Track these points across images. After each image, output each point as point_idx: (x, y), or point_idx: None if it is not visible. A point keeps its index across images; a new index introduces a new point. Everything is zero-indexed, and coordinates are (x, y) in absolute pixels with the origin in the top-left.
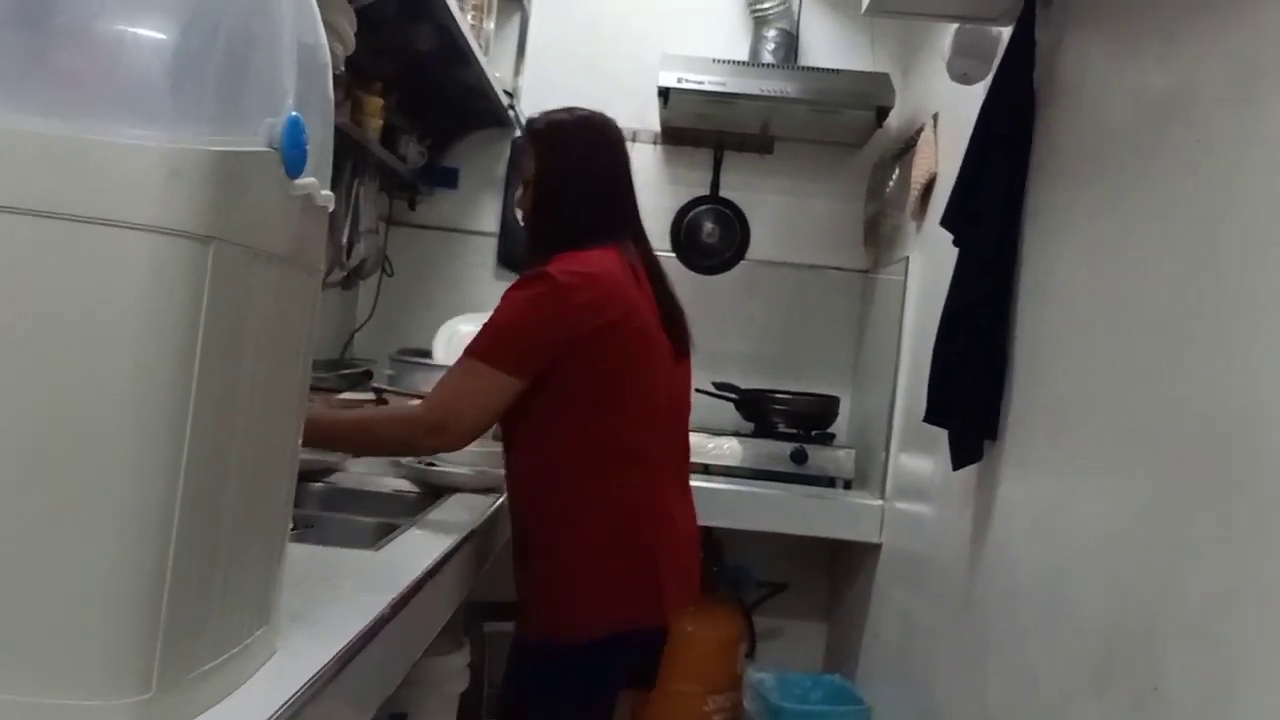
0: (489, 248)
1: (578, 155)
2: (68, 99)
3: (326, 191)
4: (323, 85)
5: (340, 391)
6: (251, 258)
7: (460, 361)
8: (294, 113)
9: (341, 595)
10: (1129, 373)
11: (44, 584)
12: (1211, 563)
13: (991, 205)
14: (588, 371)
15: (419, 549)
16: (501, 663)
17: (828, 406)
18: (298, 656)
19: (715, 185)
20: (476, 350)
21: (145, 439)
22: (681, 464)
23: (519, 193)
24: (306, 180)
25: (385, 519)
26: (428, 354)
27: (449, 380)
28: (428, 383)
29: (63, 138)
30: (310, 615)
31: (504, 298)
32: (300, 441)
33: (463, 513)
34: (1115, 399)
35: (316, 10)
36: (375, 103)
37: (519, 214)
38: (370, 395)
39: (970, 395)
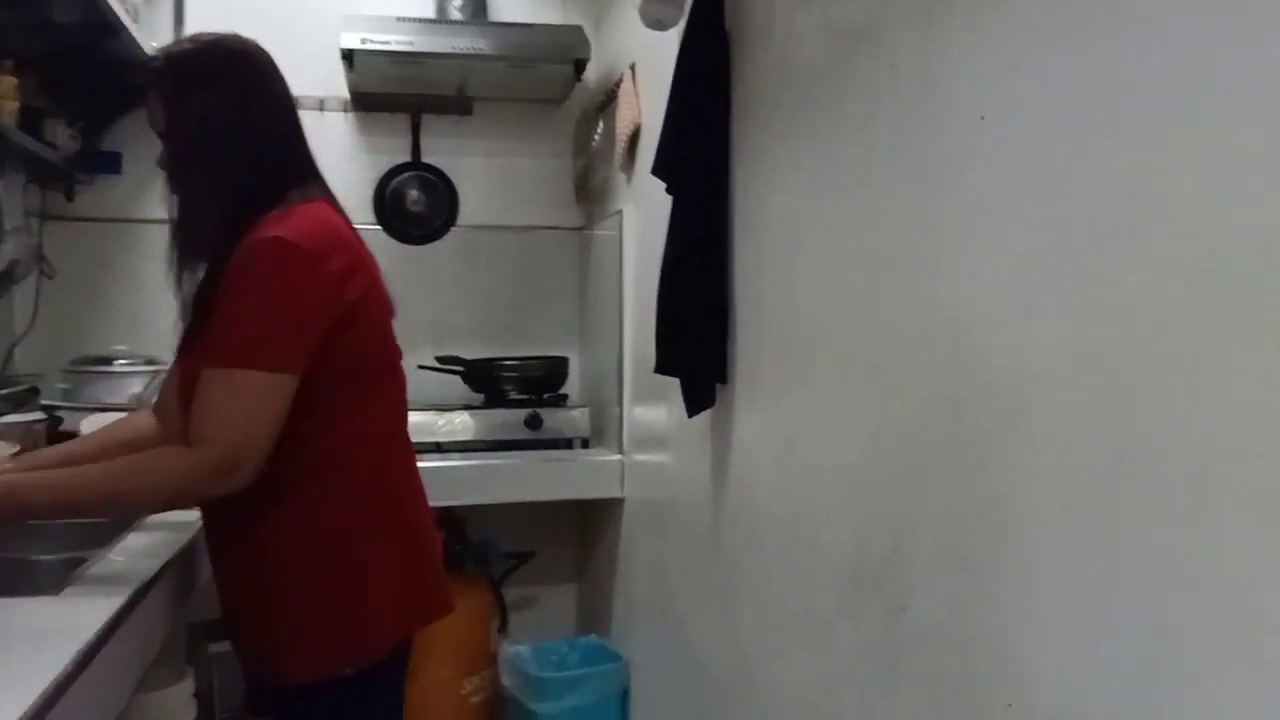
0: (166, 236)
1: (226, 86)
2: None
3: None
4: None
5: (2, 415)
6: None
7: (214, 377)
8: None
9: (13, 657)
10: (846, 299)
11: None
12: (944, 480)
13: (698, 150)
14: (355, 350)
15: (113, 583)
16: (231, 682)
17: (557, 368)
18: None
19: (416, 151)
20: (230, 356)
21: None
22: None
23: (163, 160)
24: None
25: (71, 554)
26: (107, 360)
27: (215, 405)
28: (109, 392)
29: None
30: None
31: (241, 280)
32: None
33: (166, 529)
34: (836, 327)
35: None
36: (7, 82)
37: (169, 185)
38: (40, 415)
39: (697, 342)
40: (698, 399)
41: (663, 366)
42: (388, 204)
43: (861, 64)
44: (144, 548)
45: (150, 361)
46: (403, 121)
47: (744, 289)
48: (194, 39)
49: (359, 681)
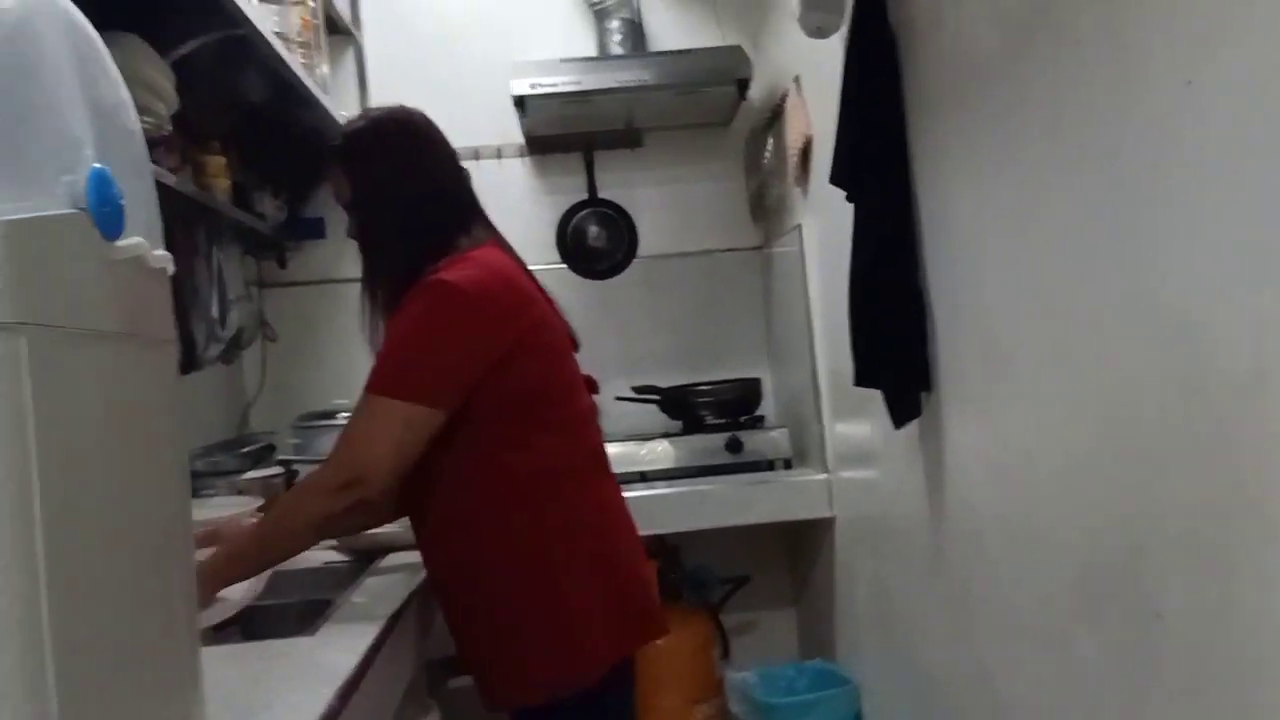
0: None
1: (395, 155)
2: None
3: (161, 252)
4: (131, 143)
5: (244, 472)
6: (75, 339)
7: (358, 403)
8: (97, 165)
9: (277, 695)
10: (1051, 292)
11: None
12: (1186, 470)
13: (876, 154)
14: (518, 386)
15: (360, 623)
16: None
17: (751, 389)
18: None
19: (592, 188)
20: (378, 384)
21: None
22: (608, 464)
23: (348, 223)
24: (130, 242)
25: (317, 596)
26: (331, 414)
27: (350, 426)
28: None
29: None
30: None
31: (399, 317)
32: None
33: (401, 572)
34: (1044, 322)
35: (110, 66)
36: (217, 162)
37: (358, 246)
38: (277, 470)
39: (897, 350)
40: (903, 409)
41: (862, 378)
42: (569, 242)
43: (1043, 45)
44: (382, 588)
45: None
46: (577, 160)
47: (939, 292)
48: (365, 115)
49: (582, 704)
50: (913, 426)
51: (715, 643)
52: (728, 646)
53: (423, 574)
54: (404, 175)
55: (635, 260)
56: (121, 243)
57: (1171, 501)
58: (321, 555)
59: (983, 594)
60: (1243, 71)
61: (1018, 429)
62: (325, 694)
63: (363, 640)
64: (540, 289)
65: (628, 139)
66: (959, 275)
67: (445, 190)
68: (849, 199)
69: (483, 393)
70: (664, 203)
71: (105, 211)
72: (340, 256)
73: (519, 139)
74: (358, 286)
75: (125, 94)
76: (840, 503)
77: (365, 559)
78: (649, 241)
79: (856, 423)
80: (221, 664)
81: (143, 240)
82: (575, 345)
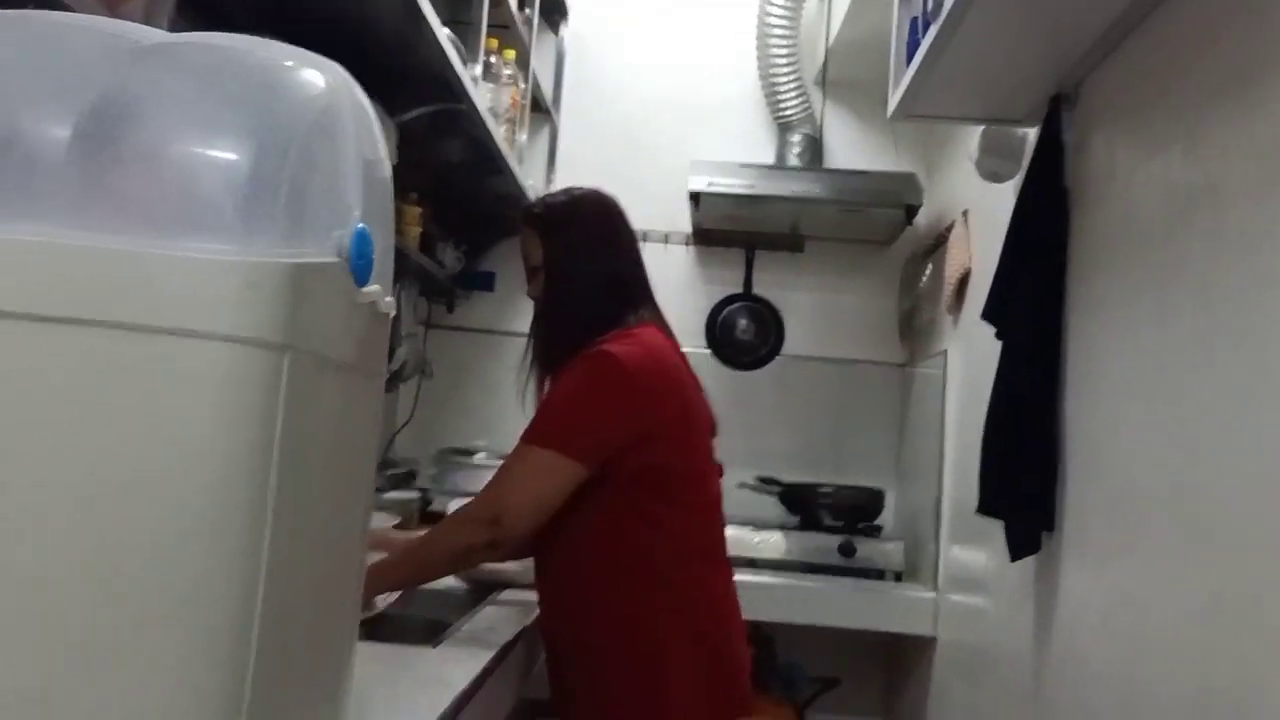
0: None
1: (588, 232)
2: (137, 218)
3: (389, 298)
4: (384, 198)
5: (385, 492)
6: (322, 365)
7: (514, 450)
8: (361, 225)
9: (401, 694)
10: (1184, 460)
11: (123, 710)
12: None
13: (1030, 299)
14: (657, 462)
15: (475, 645)
16: None
17: (873, 498)
18: None
19: (748, 283)
20: (532, 435)
21: (224, 556)
22: (725, 553)
23: (531, 282)
24: (372, 289)
25: (437, 616)
26: (469, 453)
27: (502, 471)
28: (469, 481)
29: (143, 253)
30: (371, 718)
31: (562, 378)
32: (366, 548)
33: (516, 607)
34: (1174, 485)
35: (378, 127)
36: (414, 212)
37: (534, 303)
38: (415, 495)
39: (1024, 486)
40: (1021, 544)
41: (986, 506)
42: (718, 331)
43: (1202, 226)
44: (498, 619)
45: (503, 457)
46: (737, 255)
47: (1074, 440)
48: (568, 192)
49: None
50: (1028, 564)
51: None
52: None
53: (535, 612)
54: (593, 252)
55: (779, 357)
56: (366, 289)
57: (1275, 679)
58: (445, 580)
59: None
60: None
61: (1134, 582)
62: (443, 702)
63: (478, 661)
64: (691, 373)
65: (790, 243)
66: (1097, 425)
67: (625, 272)
68: (998, 336)
69: (624, 462)
70: (815, 308)
71: (360, 264)
72: (502, 310)
73: (687, 228)
74: (513, 340)
75: (384, 150)
76: (945, 624)
77: (484, 590)
78: (795, 342)
79: (972, 549)
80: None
81: (380, 288)
82: (714, 430)
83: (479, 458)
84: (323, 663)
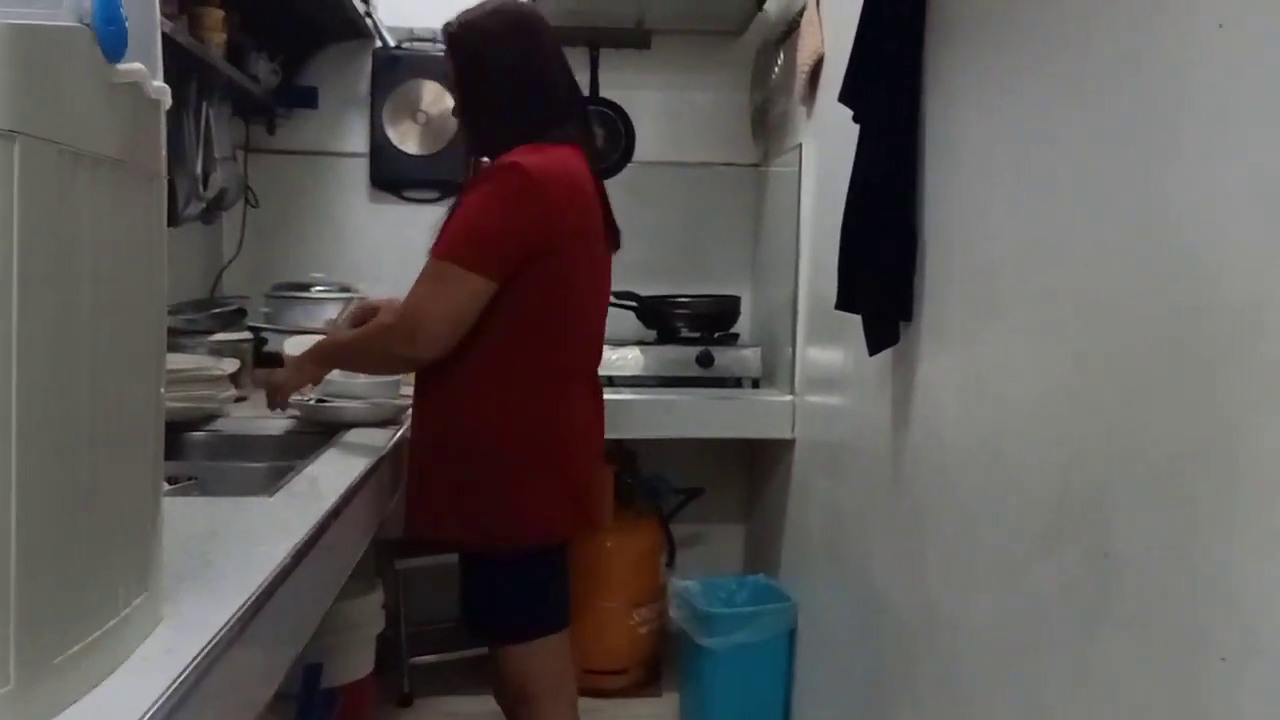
0: (359, 169)
1: (501, 50)
2: None
3: (159, 83)
4: None
5: (214, 333)
6: (72, 159)
7: (429, 265)
8: None
9: (234, 549)
10: (1051, 225)
11: None
12: (1162, 414)
13: (889, 77)
14: (549, 279)
15: (318, 490)
16: (417, 599)
17: (729, 306)
18: (187, 623)
19: (594, 86)
20: (445, 251)
21: None
22: (597, 373)
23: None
24: (131, 66)
25: (277, 462)
26: (305, 287)
27: (419, 286)
28: (306, 316)
29: None
30: (200, 575)
31: (472, 192)
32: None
33: (362, 449)
34: (1039, 255)
35: None
36: (215, 15)
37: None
38: (247, 335)
39: (881, 277)
40: (880, 337)
41: (844, 303)
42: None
43: None
44: (342, 461)
45: (344, 289)
46: (581, 56)
47: (934, 221)
48: (481, 6)
49: (516, 563)
50: (886, 356)
51: (662, 550)
52: (674, 555)
53: (386, 449)
54: (510, 67)
55: (630, 164)
56: (123, 66)
57: (1143, 445)
58: (282, 424)
59: (939, 524)
60: (1276, 22)
61: (994, 362)
62: (281, 550)
63: (320, 505)
64: (602, 196)
65: (636, 39)
66: (957, 204)
67: (544, 85)
68: (855, 119)
69: (521, 278)
70: (665, 109)
71: (110, 30)
72: (331, 129)
73: None
74: (343, 159)
75: None
76: (803, 425)
77: (327, 432)
78: (646, 147)
79: (829, 349)
80: (181, 515)
81: (142, 67)
82: (616, 245)
83: (315, 291)
84: (119, 513)
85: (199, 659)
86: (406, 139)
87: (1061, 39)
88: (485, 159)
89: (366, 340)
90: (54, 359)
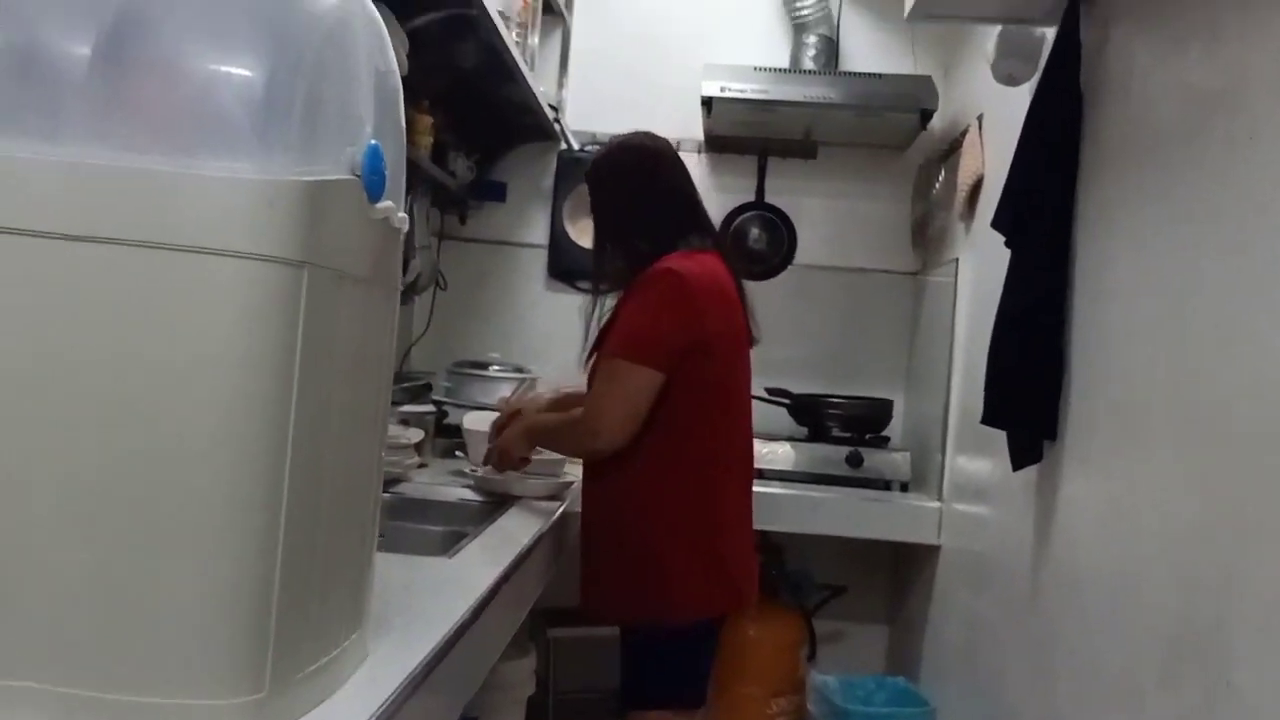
0: (538, 259)
1: (627, 182)
2: (157, 135)
3: (402, 214)
4: (395, 110)
5: (402, 404)
6: (339, 280)
7: (603, 365)
8: (373, 140)
9: (420, 601)
10: (1187, 368)
11: (168, 597)
12: (1276, 552)
13: (1042, 206)
14: (702, 372)
15: (491, 555)
16: (565, 667)
17: (881, 409)
18: (387, 661)
19: (760, 191)
20: (617, 350)
21: (251, 460)
22: (751, 465)
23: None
24: (385, 204)
25: (453, 527)
26: (483, 366)
27: (598, 385)
28: (483, 393)
29: (164, 171)
30: (392, 621)
31: (631, 297)
32: (383, 451)
33: (529, 520)
34: (1174, 395)
35: (388, 37)
36: (425, 121)
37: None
38: (430, 408)
39: (1028, 396)
40: (1024, 453)
41: (990, 418)
42: (730, 240)
43: (1218, 129)
44: (514, 529)
45: (518, 369)
46: (750, 163)
47: (1080, 348)
48: (612, 141)
49: (664, 637)
50: (1031, 472)
51: (804, 644)
52: (815, 650)
53: (549, 523)
54: (639, 193)
55: (791, 267)
56: (379, 205)
57: (1259, 573)
58: (457, 493)
59: (1070, 644)
60: None
61: (1131, 492)
62: (462, 606)
63: (495, 569)
64: (741, 296)
65: (803, 150)
66: (1101, 336)
67: (673, 206)
68: (1007, 244)
69: (678, 373)
70: (828, 216)
71: (373, 179)
72: (514, 221)
73: (698, 135)
74: (524, 249)
75: (394, 61)
76: (949, 532)
77: (496, 502)
78: (807, 251)
79: (977, 459)
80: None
81: (392, 204)
82: (753, 342)
83: (493, 370)
84: (346, 561)
85: (397, 692)
86: (583, 234)
87: (1201, 189)
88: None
89: (565, 429)
90: (312, 439)
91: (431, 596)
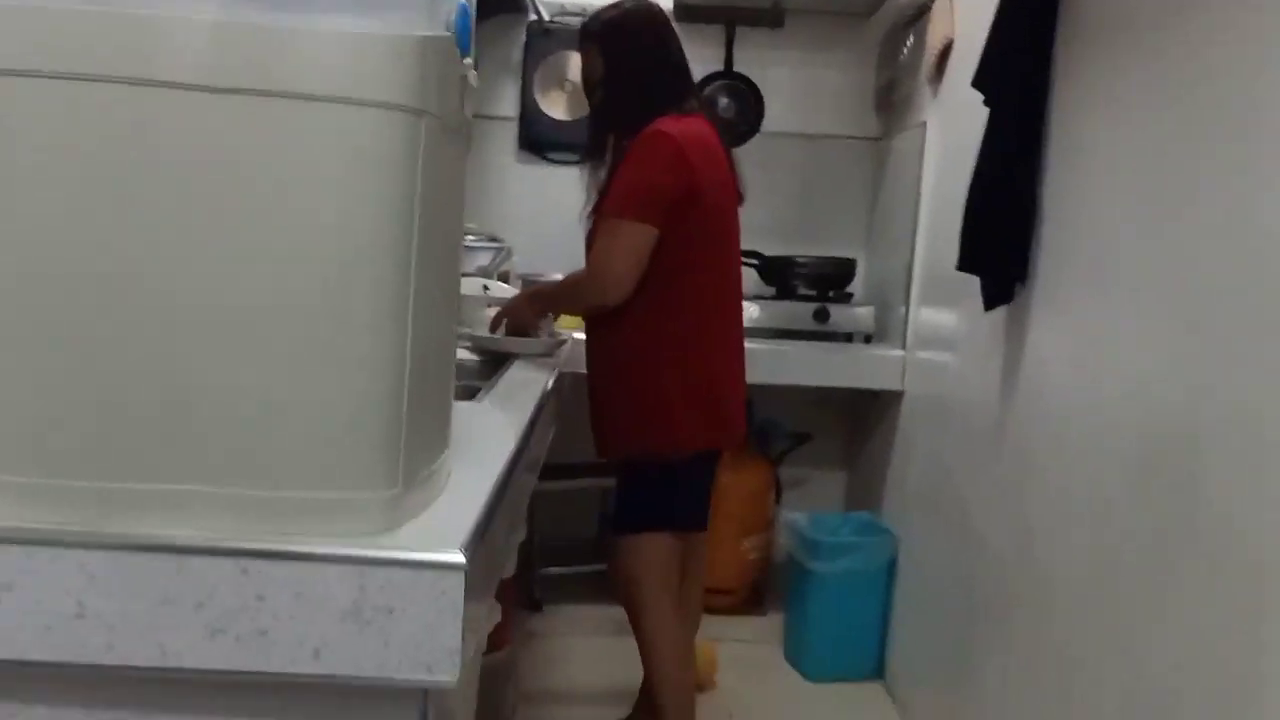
0: (509, 131)
1: (641, 44)
2: None
3: (473, 71)
4: None
5: None
6: (443, 129)
7: (604, 224)
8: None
9: (473, 434)
10: (1157, 215)
11: (321, 409)
12: (1251, 370)
13: (1020, 66)
14: (694, 225)
15: (513, 400)
16: (546, 519)
17: (845, 268)
18: (468, 476)
19: (728, 61)
20: (616, 210)
21: (385, 293)
22: (740, 312)
23: (595, 93)
24: (469, 60)
25: (462, 382)
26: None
27: (600, 243)
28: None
29: (301, 28)
30: (463, 449)
31: (627, 160)
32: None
33: (534, 374)
34: (1147, 235)
35: None
36: None
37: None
38: None
39: (1002, 241)
40: (996, 294)
41: (965, 264)
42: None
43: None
44: (521, 382)
45: (493, 239)
46: (717, 32)
47: (1054, 197)
48: (618, 7)
49: (665, 468)
50: (998, 319)
51: (771, 489)
52: (780, 493)
53: (551, 376)
54: (648, 60)
55: (757, 135)
56: (466, 60)
57: (1227, 397)
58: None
59: (1039, 470)
60: None
61: (1102, 326)
62: (511, 437)
63: (527, 407)
64: (727, 155)
65: (770, 18)
66: (1077, 186)
67: (666, 72)
68: (986, 103)
69: (672, 227)
70: (795, 84)
71: (463, 35)
72: (483, 95)
73: (668, 3)
74: (495, 122)
75: None
76: (912, 379)
77: (494, 361)
78: (774, 119)
79: (943, 310)
80: None
81: (471, 60)
82: (740, 199)
83: (470, 240)
84: (443, 388)
85: (491, 495)
86: (553, 105)
87: (1179, 48)
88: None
89: (568, 290)
90: (426, 275)
91: (481, 432)
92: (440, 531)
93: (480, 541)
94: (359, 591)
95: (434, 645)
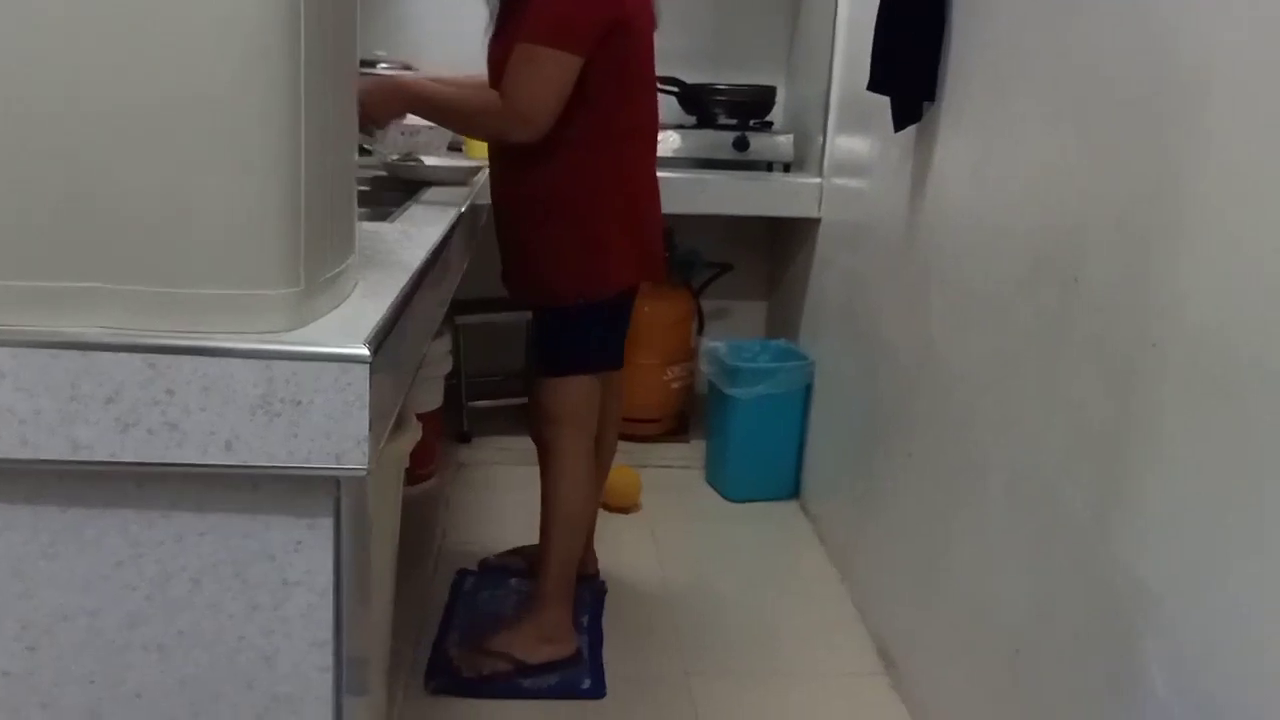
0: None
1: None
2: None
3: None
4: None
5: None
6: None
7: (521, 51)
8: None
9: (384, 249)
10: (1057, 24)
11: (220, 207)
12: (1135, 168)
13: None
14: (617, 52)
15: (431, 219)
16: (473, 353)
17: (765, 95)
18: (377, 285)
19: None
20: (536, 36)
21: (277, 96)
22: (656, 141)
23: None
24: None
25: (370, 207)
26: (371, 64)
27: (518, 71)
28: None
29: None
30: (372, 259)
31: None
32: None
33: (447, 201)
34: (1044, 52)
35: None
36: None
37: None
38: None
39: (910, 60)
40: (905, 114)
41: (876, 84)
42: None
43: None
44: (435, 206)
45: (406, 67)
46: None
47: (962, 15)
48: None
49: (593, 309)
50: (908, 139)
51: (693, 319)
52: (703, 323)
53: (466, 201)
54: None
55: None
56: None
57: (1109, 189)
58: (366, 174)
59: (942, 276)
60: None
61: (1002, 136)
62: (422, 251)
63: (435, 231)
64: None
65: None
66: (985, 3)
67: None
68: None
69: (602, 52)
70: None
71: None
72: None
73: None
74: None
75: None
76: (829, 205)
77: (408, 189)
78: None
79: (858, 137)
80: None
81: None
82: (654, 23)
83: (380, 68)
84: (343, 194)
85: (397, 298)
86: None
87: None
88: None
89: (462, 108)
90: (317, 83)
91: (392, 246)
92: (346, 329)
93: (385, 338)
94: (266, 384)
95: (342, 435)
